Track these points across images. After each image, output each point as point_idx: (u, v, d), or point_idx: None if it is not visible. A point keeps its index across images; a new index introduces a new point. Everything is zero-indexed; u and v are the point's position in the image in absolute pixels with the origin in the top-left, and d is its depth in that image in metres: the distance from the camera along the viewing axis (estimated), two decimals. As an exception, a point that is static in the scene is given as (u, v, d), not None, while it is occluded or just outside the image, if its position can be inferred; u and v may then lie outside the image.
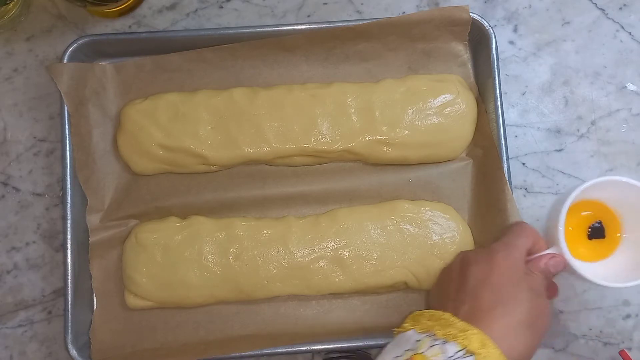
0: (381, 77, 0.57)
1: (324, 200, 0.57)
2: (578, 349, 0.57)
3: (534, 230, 0.50)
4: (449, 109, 0.55)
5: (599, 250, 0.54)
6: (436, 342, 0.41)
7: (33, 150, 0.58)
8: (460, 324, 0.42)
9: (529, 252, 0.49)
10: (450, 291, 0.47)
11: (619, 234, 0.54)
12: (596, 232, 0.55)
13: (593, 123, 0.60)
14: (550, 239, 0.51)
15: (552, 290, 0.51)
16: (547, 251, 0.49)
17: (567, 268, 0.49)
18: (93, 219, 0.55)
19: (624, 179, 0.50)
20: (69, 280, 0.53)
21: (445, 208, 0.56)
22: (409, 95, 0.56)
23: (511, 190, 0.54)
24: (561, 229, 0.49)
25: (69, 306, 0.52)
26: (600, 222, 0.55)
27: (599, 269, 0.52)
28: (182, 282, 0.53)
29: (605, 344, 0.58)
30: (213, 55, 0.56)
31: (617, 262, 0.53)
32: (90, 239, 0.54)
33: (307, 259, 0.54)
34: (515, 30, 0.61)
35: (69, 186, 0.54)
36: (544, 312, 0.46)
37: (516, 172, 0.58)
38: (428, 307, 0.48)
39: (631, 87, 0.60)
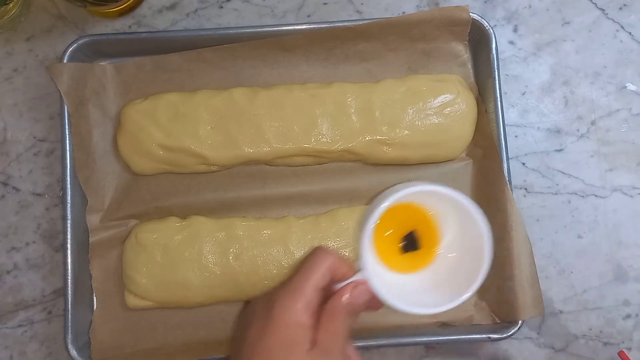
0: (381, 77, 0.57)
1: (324, 200, 0.57)
2: (578, 349, 0.57)
3: (332, 258, 0.43)
4: (449, 109, 0.55)
5: (416, 260, 0.49)
6: None
7: (33, 150, 0.58)
8: None
9: (336, 281, 0.43)
10: (234, 347, 0.42)
11: (437, 244, 0.48)
12: (409, 244, 0.48)
13: (593, 123, 0.60)
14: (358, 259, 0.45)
15: (374, 304, 0.44)
16: (353, 278, 0.43)
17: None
18: (93, 219, 0.55)
19: (442, 190, 0.45)
20: (69, 280, 0.53)
21: (445, 208, 0.56)
22: (409, 95, 0.56)
23: (511, 190, 0.54)
24: (365, 253, 0.43)
25: (69, 306, 0.52)
26: (411, 233, 0.48)
27: (414, 285, 0.47)
28: (182, 282, 0.53)
29: (605, 344, 0.58)
30: (213, 55, 0.56)
31: (432, 277, 0.48)
32: (90, 239, 0.54)
33: (307, 259, 0.54)
34: (515, 30, 0.61)
35: (69, 186, 0.54)
36: None
37: (516, 172, 0.58)
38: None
39: (631, 87, 0.60)
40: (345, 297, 0.42)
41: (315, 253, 0.44)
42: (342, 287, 0.43)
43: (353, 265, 0.44)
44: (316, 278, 0.41)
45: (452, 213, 0.47)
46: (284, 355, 0.38)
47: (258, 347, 0.39)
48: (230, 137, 0.55)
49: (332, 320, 0.41)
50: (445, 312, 0.44)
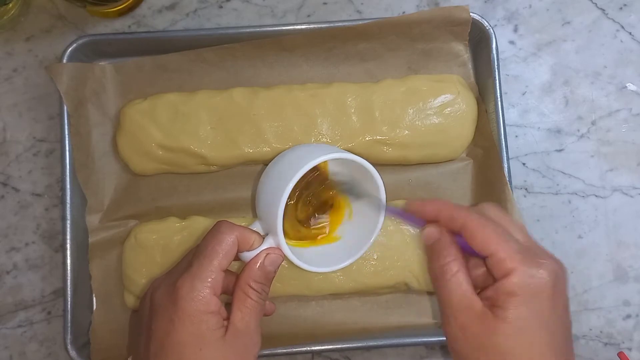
0: (381, 77, 0.57)
1: (324, 201, 0.57)
2: (578, 349, 0.57)
3: (236, 231, 0.40)
4: (449, 109, 0.55)
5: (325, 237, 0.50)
6: None
7: (33, 151, 0.58)
8: None
9: (244, 251, 0.41)
10: (140, 343, 0.39)
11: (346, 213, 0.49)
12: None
13: (593, 123, 0.60)
14: (267, 227, 0.43)
15: (269, 308, 0.44)
16: (264, 246, 0.41)
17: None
18: (92, 220, 0.55)
19: (355, 159, 0.45)
20: (69, 281, 0.53)
21: (445, 208, 0.55)
22: (409, 96, 0.56)
23: (511, 190, 0.54)
24: (279, 219, 0.41)
25: (69, 306, 0.52)
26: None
27: (323, 253, 0.48)
28: (182, 282, 0.53)
29: (605, 344, 0.58)
30: (213, 55, 0.56)
31: (342, 245, 0.49)
32: (90, 240, 0.54)
33: (307, 259, 0.54)
34: (515, 30, 0.61)
35: (68, 186, 0.54)
36: None
37: (516, 172, 0.58)
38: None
39: (631, 87, 0.60)
40: (259, 266, 0.40)
41: (217, 229, 0.40)
42: (254, 257, 0.41)
43: (258, 234, 0.43)
44: (220, 258, 0.39)
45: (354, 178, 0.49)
46: (197, 347, 0.36)
47: (168, 341, 0.37)
48: (230, 137, 0.54)
49: (246, 297, 0.39)
50: None
